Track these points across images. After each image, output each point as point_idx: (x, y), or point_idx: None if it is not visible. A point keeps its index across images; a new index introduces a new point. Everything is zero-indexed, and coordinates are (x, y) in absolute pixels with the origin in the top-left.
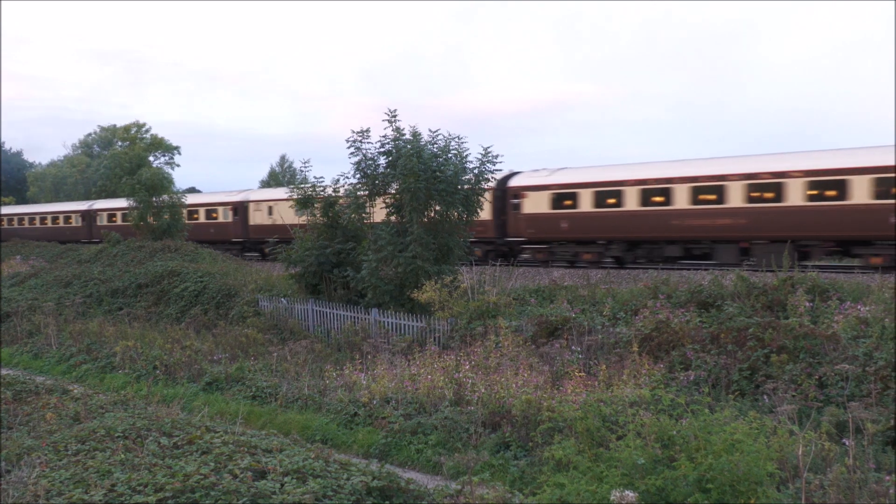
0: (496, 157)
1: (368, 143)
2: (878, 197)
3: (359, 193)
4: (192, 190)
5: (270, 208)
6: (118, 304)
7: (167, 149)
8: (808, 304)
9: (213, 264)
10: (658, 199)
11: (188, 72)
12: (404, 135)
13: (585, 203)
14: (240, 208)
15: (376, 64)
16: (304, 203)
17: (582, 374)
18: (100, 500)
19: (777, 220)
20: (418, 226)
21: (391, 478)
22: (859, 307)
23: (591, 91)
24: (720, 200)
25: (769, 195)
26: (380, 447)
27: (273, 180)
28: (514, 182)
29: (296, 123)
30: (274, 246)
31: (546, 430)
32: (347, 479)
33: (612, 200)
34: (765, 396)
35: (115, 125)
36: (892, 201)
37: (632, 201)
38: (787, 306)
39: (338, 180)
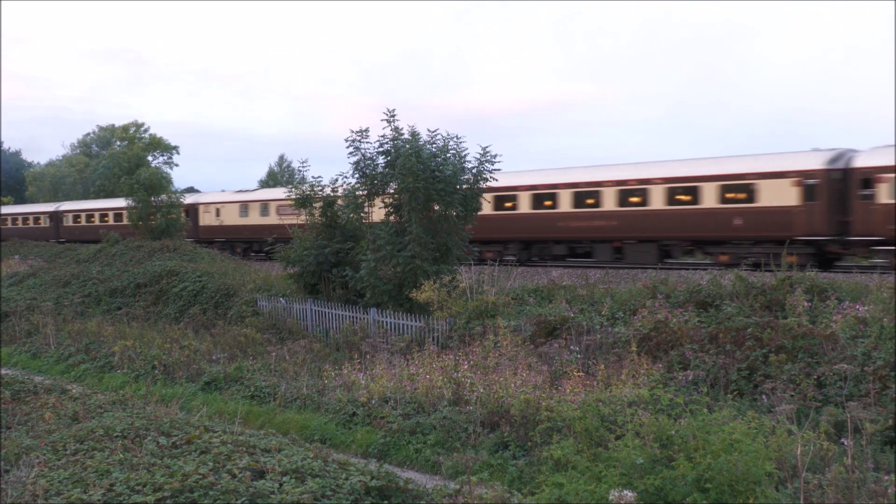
0: (495, 156)
1: (367, 142)
2: (723, 202)
3: (357, 193)
4: (191, 190)
5: (218, 210)
6: (117, 303)
7: (166, 148)
8: (806, 303)
9: (212, 264)
10: (547, 203)
11: (187, 71)
12: (403, 134)
13: (486, 207)
14: (191, 210)
15: (376, 64)
16: (302, 203)
17: (580, 373)
18: (98, 500)
19: (643, 223)
20: (417, 225)
21: (390, 477)
22: (858, 307)
23: (589, 91)
24: (597, 204)
25: (636, 200)
26: (378, 447)
27: (272, 180)
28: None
29: (295, 123)
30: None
31: (545, 429)
32: (346, 478)
33: (509, 204)
34: (763, 396)
35: (113, 125)
36: (735, 205)
37: (525, 205)
38: (785, 306)
39: (336, 180)
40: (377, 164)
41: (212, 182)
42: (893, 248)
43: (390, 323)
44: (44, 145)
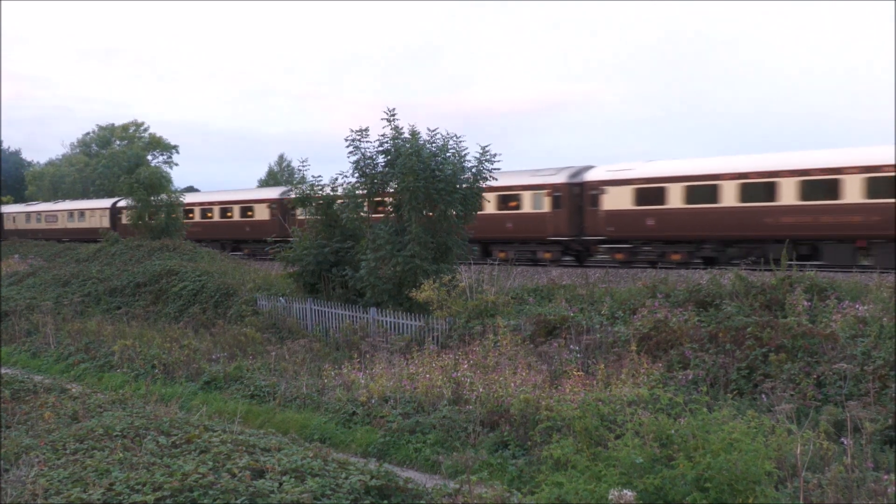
0: (494, 156)
1: (367, 142)
2: (536, 207)
3: (357, 192)
4: (191, 189)
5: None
6: (116, 303)
7: (165, 148)
8: (806, 303)
9: (212, 263)
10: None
11: (188, 71)
12: (403, 134)
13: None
14: (113, 211)
15: (376, 64)
16: (302, 202)
17: (580, 373)
18: (98, 500)
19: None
20: (417, 225)
21: (389, 477)
22: (857, 306)
23: (588, 91)
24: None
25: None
26: (378, 446)
27: (272, 179)
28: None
29: (294, 123)
30: None
31: (544, 429)
32: (346, 478)
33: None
34: (763, 395)
35: (113, 124)
36: (548, 210)
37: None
38: (785, 305)
39: (336, 179)
40: (377, 164)
41: (212, 182)
42: (612, 245)
43: (390, 322)
44: (44, 145)
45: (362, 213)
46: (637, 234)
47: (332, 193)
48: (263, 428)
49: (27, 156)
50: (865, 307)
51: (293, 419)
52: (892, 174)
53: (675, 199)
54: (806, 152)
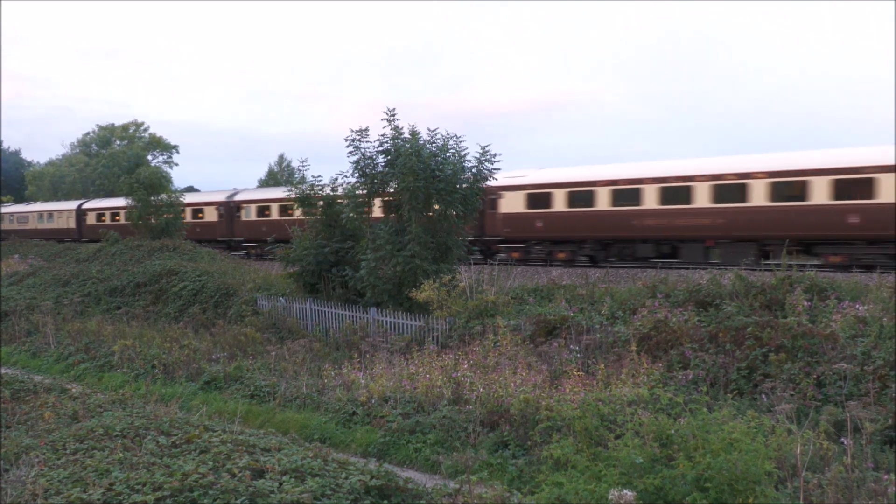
0: (494, 156)
1: (367, 142)
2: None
3: (357, 192)
4: (191, 189)
5: (100, 215)
6: (116, 303)
7: (165, 148)
8: (806, 303)
9: (212, 263)
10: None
11: (188, 71)
12: (403, 134)
13: (274, 213)
14: (78, 213)
15: (376, 63)
16: (301, 202)
17: (580, 373)
18: (98, 500)
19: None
20: (417, 225)
21: (389, 477)
22: (857, 306)
23: (588, 91)
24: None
25: None
26: (378, 446)
27: (272, 179)
28: (237, 197)
29: (295, 123)
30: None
31: (544, 429)
32: (346, 478)
33: (291, 211)
34: (763, 395)
35: (113, 124)
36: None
37: (299, 213)
38: (785, 305)
39: (336, 179)
40: (377, 164)
41: (213, 182)
42: (509, 245)
43: (390, 322)
44: (44, 145)
45: (362, 213)
46: (529, 235)
47: (332, 193)
48: (263, 428)
49: (27, 156)
50: (865, 307)
51: (293, 419)
52: (734, 182)
53: (560, 203)
54: (664, 162)
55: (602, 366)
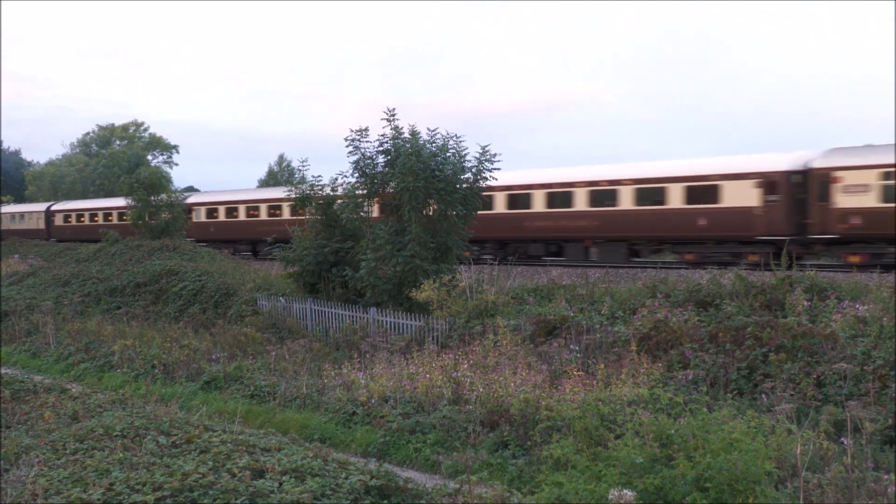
0: (494, 155)
1: (367, 141)
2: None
3: (357, 192)
4: (191, 189)
5: (66, 217)
6: (116, 303)
7: (165, 148)
8: (806, 303)
9: (212, 263)
10: (253, 212)
11: (189, 70)
12: (403, 134)
13: (221, 215)
14: (47, 214)
15: (377, 64)
16: (301, 202)
17: (580, 373)
18: (98, 500)
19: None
20: (417, 225)
21: (389, 477)
22: (857, 306)
23: (588, 91)
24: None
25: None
26: (378, 446)
27: (272, 179)
28: (190, 200)
29: (296, 123)
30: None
31: (544, 429)
32: (346, 477)
33: (235, 213)
34: (763, 395)
35: (113, 124)
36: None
37: (242, 214)
38: (785, 305)
39: (336, 179)
40: (377, 164)
41: (213, 181)
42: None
43: (390, 322)
44: (44, 145)
45: (362, 213)
46: None
47: (332, 193)
48: (263, 428)
49: (27, 156)
50: (865, 307)
51: (293, 419)
52: (606, 188)
53: None
54: (550, 170)
55: (602, 366)
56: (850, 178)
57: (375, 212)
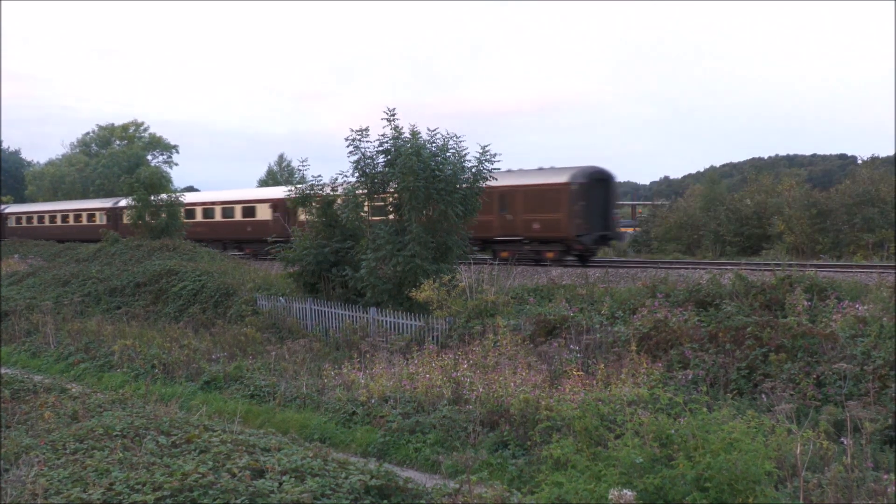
0: (494, 155)
1: (367, 141)
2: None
3: (357, 192)
4: (191, 189)
5: (19, 219)
6: (116, 302)
7: (165, 148)
8: (806, 303)
9: (212, 263)
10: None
11: (191, 70)
12: (403, 133)
13: (34, 221)
14: (2, 216)
15: (379, 64)
16: (301, 202)
17: (580, 373)
18: (98, 499)
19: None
20: (417, 225)
21: (389, 476)
22: (857, 306)
23: (589, 91)
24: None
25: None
26: (378, 446)
27: (271, 179)
28: (7, 210)
29: (298, 123)
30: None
31: (544, 428)
32: (346, 477)
33: (50, 219)
34: (763, 395)
35: (113, 124)
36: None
37: (51, 221)
38: (785, 305)
39: (336, 179)
40: (377, 163)
41: (211, 181)
42: None
43: (390, 322)
44: (44, 145)
45: (362, 213)
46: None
47: (332, 193)
48: (263, 428)
49: (27, 156)
50: (865, 307)
51: (293, 419)
52: (210, 207)
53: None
54: (207, 193)
55: (602, 366)
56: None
57: (375, 211)
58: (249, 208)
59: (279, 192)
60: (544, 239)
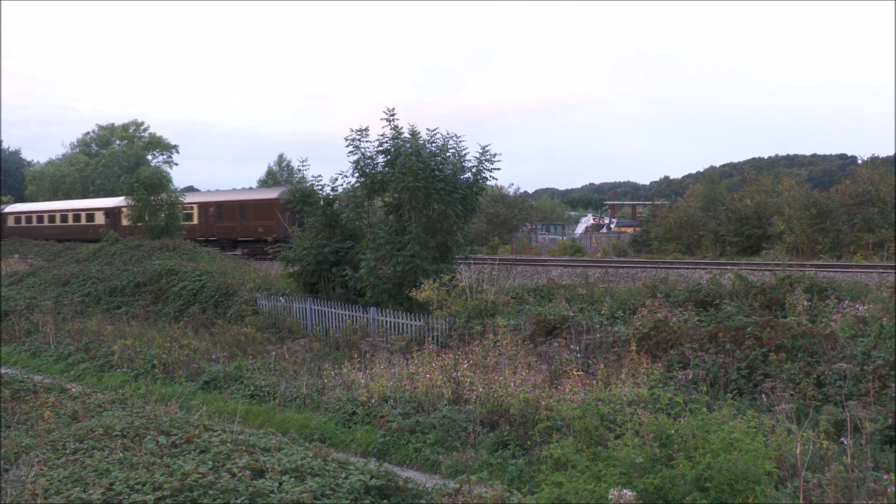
0: (494, 155)
1: (367, 141)
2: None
3: (357, 192)
4: (191, 188)
5: (18, 218)
6: (116, 302)
7: (165, 147)
8: (806, 303)
9: (212, 263)
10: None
11: (189, 71)
12: (403, 133)
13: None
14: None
15: (380, 64)
16: (301, 201)
17: (580, 372)
18: (98, 499)
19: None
20: (417, 225)
21: (389, 476)
22: (857, 306)
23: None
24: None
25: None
26: (378, 446)
27: (271, 179)
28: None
29: (301, 123)
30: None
31: (544, 428)
32: (346, 477)
33: (49, 219)
34: (763, 395)
35: (113, 124)
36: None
37: (29, 221)
38: (785, 305)
39: (336, 179)
40: (377, 163)
41: (211, 181)
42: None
43: (390, 322)
44: (44, 145)
45: (362, 213)
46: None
47: (332, 193)
48: (263, 428)
49: (27, 155)
50: (865, 307)
51: (293, 419)
52: (63, 213)
53: (39, 220)
54: (60, 202)
55: (602, 366)
56: (125, 211)
57: (375, 211)
58: (90, 215)
59: (112, 202)
60: (266, 240)
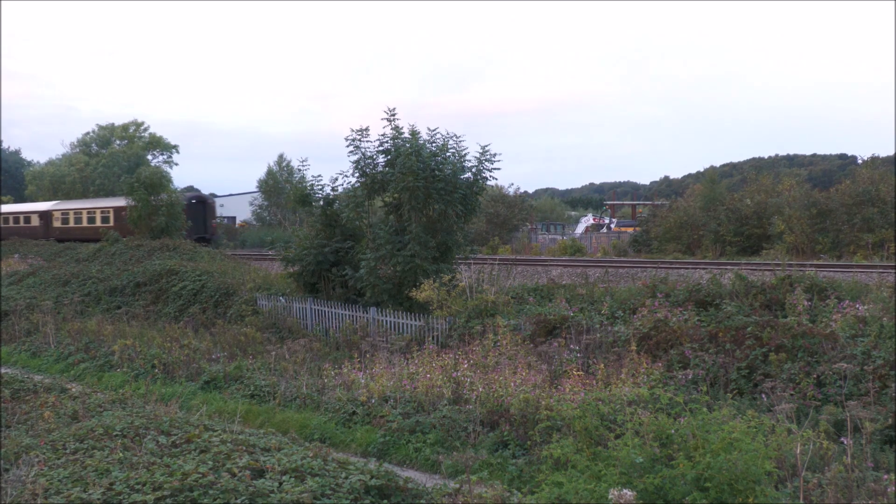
0: (494, 155)
1: (367, 141)
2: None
3: (357, 192)
4: (191, 188)
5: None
6: (116, 302)
7: (165, 147)
8: (806, 302)
9: (212, 263)
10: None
11: (189, 71)
12: (403, 133)
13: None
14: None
15: (381, 65)
16: (301, 201)
17: (580, 372)
18: (98, 499)
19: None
20: (417, 224)
21: (389, 476)
22: (857, 306)
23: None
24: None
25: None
26: (378, 446)
27: (271, 179)
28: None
29: (302, 123)
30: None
31: (544, 428)
32: (346, 477)
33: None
34: (763, 395)
35: (113, 124)
36: None
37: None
38: (785, 305)
39: (336, 178)
40: (377, 163)
41: (212, 181)
42: None
43: (390, 322)
44: (46, 144)
45: (362, 213)
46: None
47: (332, 193)
48: (263, 427)
49: (27, 155)
50: (865, 307)
51: (293, 419)
52: (20, 214)
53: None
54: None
55: (602, 365)
56: (57, 214)
57: (375, 211)
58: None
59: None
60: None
